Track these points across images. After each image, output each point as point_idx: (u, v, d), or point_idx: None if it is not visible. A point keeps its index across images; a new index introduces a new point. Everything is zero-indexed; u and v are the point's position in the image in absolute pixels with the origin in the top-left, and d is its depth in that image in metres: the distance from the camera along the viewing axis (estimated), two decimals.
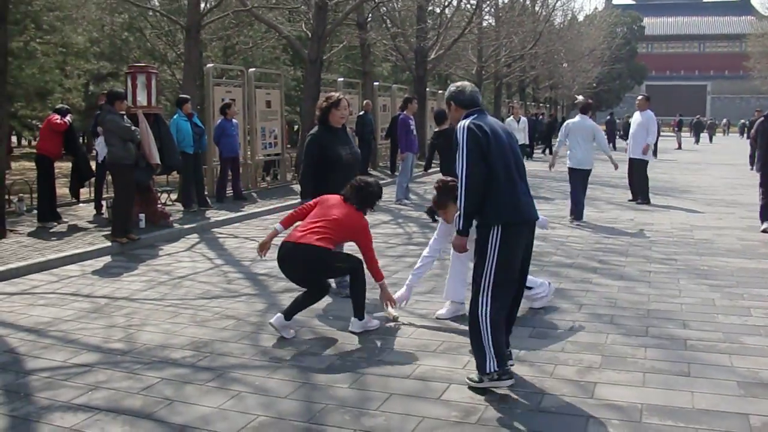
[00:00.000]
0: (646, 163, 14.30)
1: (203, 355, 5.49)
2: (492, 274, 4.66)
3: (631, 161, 14.42)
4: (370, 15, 24.27)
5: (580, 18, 59.36)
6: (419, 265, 6.66)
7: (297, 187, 16.97)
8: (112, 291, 7.60)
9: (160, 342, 5.81)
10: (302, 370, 5.19)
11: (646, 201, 14.36)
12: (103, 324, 6.36)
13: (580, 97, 14.74)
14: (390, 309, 6.36)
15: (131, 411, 4.46)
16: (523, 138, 17.18)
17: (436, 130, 12.08)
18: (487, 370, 4.58)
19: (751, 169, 19.88)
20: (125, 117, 10.09)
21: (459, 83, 5.15)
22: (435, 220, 12.73)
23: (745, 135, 24.50)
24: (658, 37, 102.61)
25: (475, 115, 4.86)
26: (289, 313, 5.95)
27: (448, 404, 4.51)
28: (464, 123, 4.79)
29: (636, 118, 14.43)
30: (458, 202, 4.74)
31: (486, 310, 4.65)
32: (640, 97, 14.70)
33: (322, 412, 4.40)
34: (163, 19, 21.80)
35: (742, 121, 68.39)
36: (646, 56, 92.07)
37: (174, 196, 14.06)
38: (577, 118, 12.18)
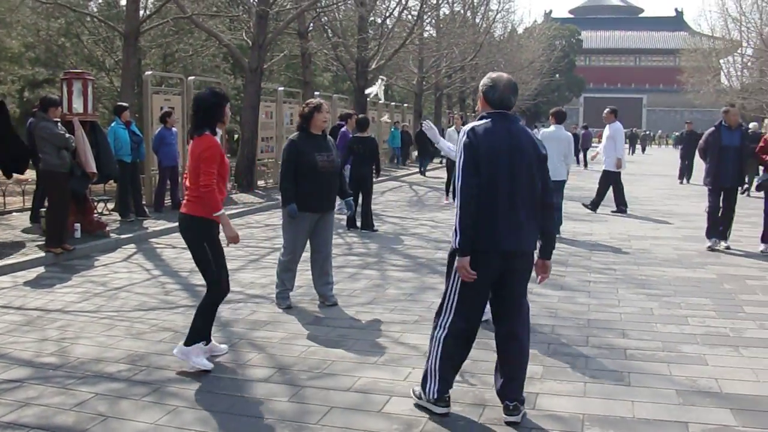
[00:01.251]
0: (618, 174, 14.71)
1: (139, 369, 5.35)
2: (453, 299, 4.42)
3: (605, 173, 14.74)
4: (311, 24, 24.22)
5: (520, 30, 60.20)
6: None
7: (238, 197, 16.84)
8: (45, 303, 7.37)
9: (94, 355, 5.65)
10: (241, 383, 5.10)
11: (625, 208, 14.91)
12: (35, 337, 6.16)
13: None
14: (221, 346, 5.76)
15: (63, 428, 4.32)
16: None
17: (357, 135, 12.26)
18: (426, 392, 4.49)
19: (680, 182, 20.22)
20: (59, 124, 9.83)
21: (497, 75, 4.49)
22: None
23: (680, 147, 24.67)
24: (596, 51, 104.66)
25: (490, 119, 4.35)
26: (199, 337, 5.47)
27: (389, 417, 4.47)
28: (468, 126, 4.36)
29: (605, 131, 14.65)
30: (455, 218, 4.33)
31: (441, 333, 4.43)
32: (606, 110, 14.89)
33: (262, 427, 4.32)
34: (101, 25, 21.36)
35: (677, 133, 70.22)
36: (584, 69, 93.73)
37: (111, 206, 13.76)
38: (552, 128, 11.74)
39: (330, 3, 22.70)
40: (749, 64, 55.43)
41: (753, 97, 51.26)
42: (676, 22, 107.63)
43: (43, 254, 9.50)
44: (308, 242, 7.29)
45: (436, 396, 4.42)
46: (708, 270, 9.08)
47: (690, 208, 16.28)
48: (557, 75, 65.28)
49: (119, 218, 12.74)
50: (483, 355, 5.65)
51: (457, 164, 4.32)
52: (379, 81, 20.56)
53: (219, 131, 5.47)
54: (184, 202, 5.54)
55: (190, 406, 4.65)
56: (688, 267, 9.26)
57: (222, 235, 5.53)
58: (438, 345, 4.44)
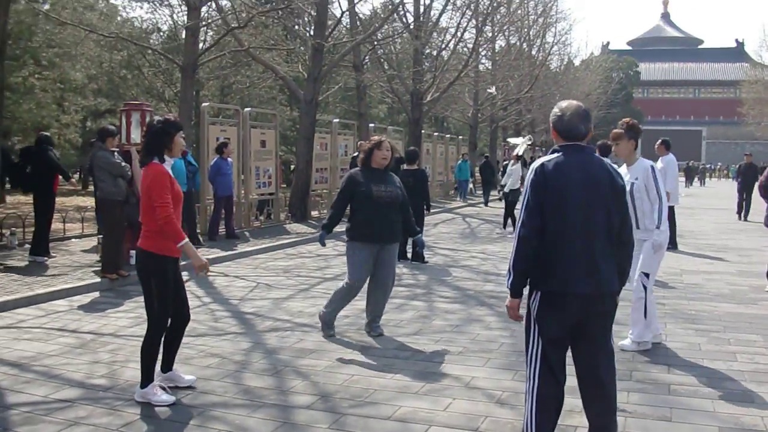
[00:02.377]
0: (671, 208, 14.24)
1: (185, 393, 5.47)
2: (534, 346, 4.11)
3: None
4: (366, 57, 24.55)
5: (576, 62, 60.03)
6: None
7: (291, 227, 17.07)
8: (98, 327, 7.58)
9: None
10: (283, 409, 5.17)
11: (673, 247, 14.16)
12: (87, 360, 6.34)
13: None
14: (185, 378, 5.71)
15: None
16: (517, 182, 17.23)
17: (405, 167, 12.27)
18: None
19: (739, 219, 19.47)
20: (116, 154, 10.15)
21: (566, 103, 4.26)
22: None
23: (738, 180, 23.67)
24: (654, 83, 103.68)
25: (561, 153, 4.07)
26: (163, 364, 5.60)
27: None
28: (538, 161, 4.10)
29: (658, 164, 14.27)
30: (510, 257, 4.10)
31: (532, 386, 4.07)
32: (658, 142, 14.45)
33: None
34: (161, 57, 22.00)
35: (734, 166, 68.94)
36: (642, 101, 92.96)
37: None
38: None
39: (386, 36, 22.99)
40: None
41: None
42: (737, 53, 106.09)
43: (98, 279, 9.77)
44: (372, 276, 7.34)
45: None
46: (761, 306, 8.88)
47: (746, 243, 15.96)
48: (614, 107, 64.70)
49: None
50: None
51: (522, 202, 4.11)
52: (526, 137, 20.67)
53: (169, 159, 5.40)
54: (141, 235, 5.43)
55: (232, 430, 4.74)
56: (741, 303, 9.08)
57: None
58: (531, 398, 4.08)
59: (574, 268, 3.95)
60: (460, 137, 37.62)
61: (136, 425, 4.81)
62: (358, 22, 24.25)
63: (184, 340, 6.89)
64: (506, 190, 17.80)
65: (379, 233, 7.13)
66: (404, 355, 6.62)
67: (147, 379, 5.30)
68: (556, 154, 4.08)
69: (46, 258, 11.32)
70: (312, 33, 18.95)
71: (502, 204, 19.49)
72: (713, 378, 5.93)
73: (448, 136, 35.23)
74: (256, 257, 13.00)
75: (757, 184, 11.12)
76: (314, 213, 20.06)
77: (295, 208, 18.73)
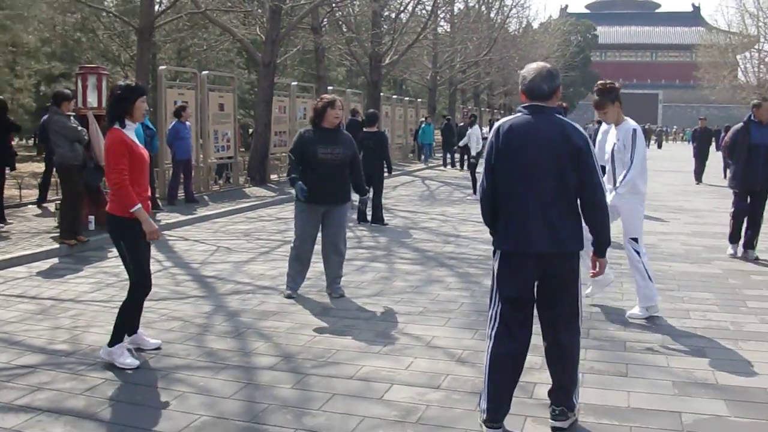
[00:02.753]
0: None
1: (148, 356, 5.50)
2: (495, 305, 4.17)
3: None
4: (325, 19, 24.34)
5: (535, 26, 60.18)
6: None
7: (251, 191, 17.03)
8: (58, 293, 7.54)
9: (105, 343, 5.78)
10: (246, 370, 5.23)
11: None
12: (48, 326, 6.32)
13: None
14: (150, 341, 5.75)
15: (73, 412, 4.46)
16: (476, 145, 17.35)
17: (367, 130, 12.32)
18: (479, 406, 4.23)
19: (697, 183, 19.46)
20: (72, 118, 10.01)
21: (533, 63, 4.25)
22: None
23: (694, 144, 23.37)
24: (612, 46, 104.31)
25: (521, 113, 4.10)
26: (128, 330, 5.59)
27: (389, 404, 4.59)
28: (498, 122, 4.15)
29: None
30: None
31: (489, 344, 4.17)
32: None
33: (265, 412, 4.45)
34: (116, 20, 21.58)
35: (689, 129, 70.00)
36: (600, 64, 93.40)
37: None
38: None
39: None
40: (766, 59, 55.09)
41: None
42: (693, 17, 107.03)
43: (57, 246, 9.68)
44: (322, 237, 7.45)
45: (485, 416, 4.14)
46: (714, 265, 9.13)
47: (701, 204, 16.34)
48: (573, 71, 65.07)
49: None
50: (481, 345, 5.72)
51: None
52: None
53: (131, 124, 5.39)
54: (108, 199, 5.47)
55: (196, 392, 4.78)
56: (694, 262, 9.32)
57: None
58: (487, 357, 4.17)
59: (528, 228, 3.98)
60: (419, 100, 37.58)
61: (99, 389, 4.83)
62: None
63: (147, 304, 6.91)
64: (473, 153, 17.91)
65: (323, 195, 7.18)
66: (365, 316, 6.71)
67: (117, 339, 5.34)
68: (516, 114, 4.12)
69: (2, 225, 11.17)
70: None
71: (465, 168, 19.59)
72: (668, 335, 6.12)
73: (407, 99, 35.19)
74: (215, 221, 12.97)
75: (722, 147, 11.01)
76: (273, 176, 20.00)
77: (255, 171, 18.66)
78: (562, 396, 4.21)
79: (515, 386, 4.21)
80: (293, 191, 7.21)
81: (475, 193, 17.61)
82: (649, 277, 6.64)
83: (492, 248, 4.23)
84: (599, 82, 6.80)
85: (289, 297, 7.31)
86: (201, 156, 16.50)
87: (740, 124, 9.81)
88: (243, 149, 23.39)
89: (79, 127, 9.83)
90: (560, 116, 4.08)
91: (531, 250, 4.01)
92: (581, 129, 4.15)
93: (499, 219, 4.13)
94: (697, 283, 8.15)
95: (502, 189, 4.06)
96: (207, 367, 5.29)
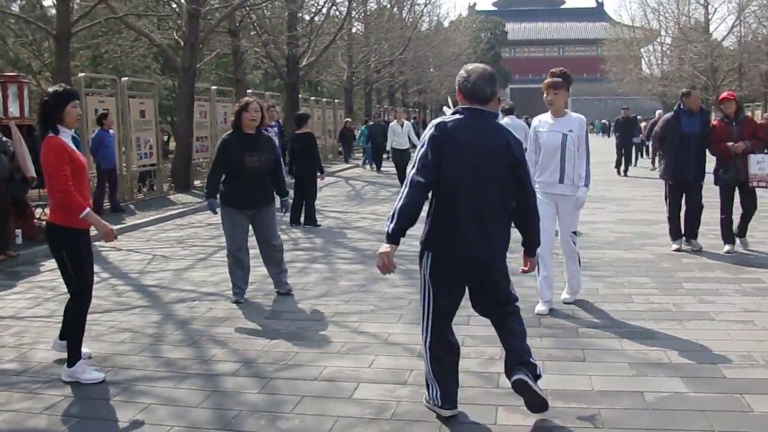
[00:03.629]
0: None
1: (104, 370, 5.35)
2: (427, 303, 4.27)
3: None
4: (240, 23, 24.07)
5: (446, 24, 60.85)
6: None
7: (176, 198, 16.74)
8: None
9: (56, 359, 5.61)
10: (208, 378, 5.16)
11: None
12: None
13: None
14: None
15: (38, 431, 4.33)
16: (406, 143, 17.43)
17: (296, 132, 12.34)
18: (430, 398, 4.37)
19: (619, 174, 19.59)
20: None
21: (472, 66, 4.23)
22: None
23: (610, 134, 24.18)
24: (520, 42, 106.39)
25: (462, 115, 4.10)
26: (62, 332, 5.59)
27: (360, 402, 4.60)
28: (438, 119, 4.17)
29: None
30: (396, 203, 4.11)
31: (426, 338, 4.29)
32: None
33: (237, 419, 4.40)
34: (28, 27, 20.85)
35: (603, 120, 72.10)
36: (510, 60, 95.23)
37: (48, 211, 13.50)
38: (506, 119, 11.69)
39: (259, 1, 22.55)
40: (668, 52, 57.10)
41: (673, 84, 52.83)
42: (597, 13, 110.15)
43: None
44: (256, 239, 7.45)
45: (439, 402, 4.28)
46: (645, 251, 9.44)
47: (622, 193, 16.88)
48: None
49: None
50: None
51: (415, 154, 4.12)
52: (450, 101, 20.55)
53: (65, 131, 5.27)
54: (50, 209, 5.40)
55: (162, 403, 4.69)
56: (627, 249, 9.61)
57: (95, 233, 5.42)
58: (426, 350, 4.30)
59: (463, 233, 4.03)
60: (336, 101, 37.57)
61: (59, 407, 4.69)
62: None
63: (91, 317, 6.74)
64: (388, 148, 17.99)
65: (252, 200, 7.22)
66: (317, 317, 6.70)
67: (74, 357, 5.19)
68: (458, 116, 4.12)
69: None
70: None
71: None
72: (615, 319, 6.32)
73: (324, 99, 35.16)
74: (145, 229, 12.71)
75: (652, 137, 10.76)
76: (197, 182, 19.68)
77: (178, 177, 18.34)
78: (523, 355, 4.28)
79: (456, 370, 4.36)
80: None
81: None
82: (580, 264, 6.92)
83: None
84: (558, 68, 6.68)
85: (236, 302, 7.24)
86: (124, 164, 16.11)
87: (670, 114, 9.60)
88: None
89: (4, 138, 9.49)
90: (498, 122, 4.21)
91: (465, 256, 4.09)
92: (515, 135, 4.22)
93: (429, 219, 4.15)
94: (633, 268, 8.42)
95: (440, 191, 4.06)
96: (167, 377, 5.20)
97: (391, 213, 4.10)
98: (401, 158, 17.25)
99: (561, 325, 6.21)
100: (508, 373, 4.26)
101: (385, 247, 4.07)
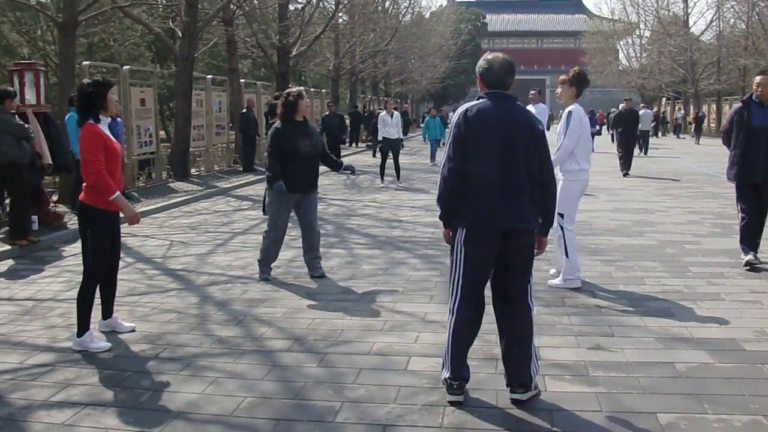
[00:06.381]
0: None
1: (161, 348, 5.64)
2: (458, 280, 4.43)
3: None
4: (234, 12, 24.20)
5: (427, 15, 61.09)
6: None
7: (176, 186, 16.94)
8: (33, 293, 7.51)
9: (109, 338, 5.89)
10: (265, 354, 5.46)
11: None
12: (41, 325, 6.33)
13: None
14: (125, 324, 6.11)
15: (117, 402, 4.59)
16: (397, 133, 17.73)
17: (269, 122, 12.70)
18: (442, 377, 4.56)
19: (624, 175, 18.98)
20: (16, 116, 9.86)
21: (492, 56, 4.51)
22: None
23: (618, 130, 20.66)
24: (500, 33, 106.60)
25: (486, 99, 4.39)
26: (103, 311, 6.02)
27: (416, 374, 4.94)
28: (463, 106, 4.42)
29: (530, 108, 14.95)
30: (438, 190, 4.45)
31: (451, 318, 4.47)
32: (532, 92, 15.26)
33: (305, 389, 4.72)
34: (24, 15, 20.84)
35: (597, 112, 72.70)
36: (490, 51, 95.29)
37: (55, 197, 13.69)
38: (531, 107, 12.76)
39: None
40: (647, 45, 57.82)
41: (652, 77, 53.54)
42: (575, 5, 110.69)
43: (8, 247, 9.53)
44: (298, 220, 7.91)
45: (449, 378, 4.47)
46: (648, 238, 9.86)
47: (612, 183, 17.36)
48: (464, 58, 66.35)
49: (69, 210, 12.72)
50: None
51: (446, 142, 4.44)
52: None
53: (105, 118, 5.66)
54: (82, 190, 5.72)
55: (228, 377, 4.99)
56: (629, 236, 10.02)
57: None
58: (450, 328, 4.48)
59: (495, 205, 4.27)
60: (324, 90, 37.77)
61: (131, 380, 4.97)
62: None
63: (131, 299, 7.06)
64: (380, 138, 18.25)
65: (303, 184, 7.65)
66: (352, 298, 7.02)
67: (83, 327, 5.60)
68: (481, 101, 4.40)
69: None
70: None
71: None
72: (633, 299, 6.71)
73: (312, 89, 35.35)
74: (155, 216, 12.96)
75: (720, 132, 9.24)
76: (193, 171, 19.89)
77: (176, 166, 18.52)
78: (520, 369, 4.43)
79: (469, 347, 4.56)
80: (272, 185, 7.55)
81: (383, 180, 17.94)
82: (566, 253, 7.15)
83: (439, 228, 4.60)
84: (573, 69, 7.35)
85: (265, 281, 7.60)
86: (125, 152, 16.27)
87: (738, 104, 8.36)
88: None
89: (26, 125, 9.69)
90: (519, 102, 4.49)
91: (498, 226, 4.30)
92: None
93: (463, 196, 4.35)
94: (640, 253, 8.83)
95: (471, 169, 4.30)
96: (225, 353, 5.49)
97: (436, 202, 4.53)
98: (391, 147, 17.63)
99: (584, 304, 6.60)
100: (509, 386, 4.50)
101: (444, 231, 4.60)
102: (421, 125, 32.16)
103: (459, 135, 4.31)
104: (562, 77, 7.32)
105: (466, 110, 4.37)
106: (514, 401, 4.45)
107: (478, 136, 4.29)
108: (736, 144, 8.07)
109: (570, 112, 7.19)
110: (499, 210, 4.28)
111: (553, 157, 6.86)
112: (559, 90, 7.35)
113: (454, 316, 4.46)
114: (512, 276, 4.43)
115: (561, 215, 7.17)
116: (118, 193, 5.56)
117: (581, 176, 7.30)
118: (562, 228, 7.22)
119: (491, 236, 4.33)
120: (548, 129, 19.47)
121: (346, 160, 9.82)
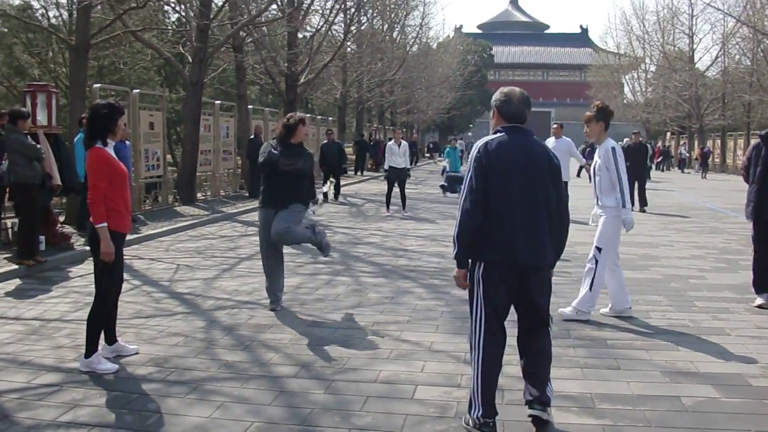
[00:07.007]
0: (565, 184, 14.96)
1: (168, 371, 5.66)
2: (478, 315, 4.42)
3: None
4: (244, 39, 24.43)
5: (434, 45, 61.51)
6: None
7: (183, 210, 16.99)
8: (40, 313, 7.54)
9: (116, 360, 5.88)
10: (272, 379, 5.48)
11: None
12: (48, 345, 6.36)
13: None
14: (129, 347, 6.12)
15: (124, 425, 4.62)
16: (404, 162, 17.78)
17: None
18: (473, 415, 4.41)
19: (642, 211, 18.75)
20: (28, 137, 9.95)
21: (509, 89, 4.57)
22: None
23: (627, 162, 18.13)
24: (506, 65, 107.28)
25: (504, 133, 4.43)
26: (107, 337, 5.97)
27: (422, 402, 4.96)
28: (482, 140, 4.45)
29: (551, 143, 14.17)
30: (455, 227, 4.44)
31: (478, 355, 4.42)
32: (554, 125, 15.14)
33: (311, 416, 4.74)
34: (36, 37, 21.07)
35: (582, 146, 72.95)
36: (495, 83, 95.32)
37: (62, 218, 13.77)
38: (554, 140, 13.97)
39: (264, 21, 22.89)
40: (652, 80, 58.15)
41: (657, 111, 53.77)
42: (581, 38, 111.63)
43: (15, 267, 9.57)
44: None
45: (481, 420, 4.36)
46: (652, 272, 9.89)
47: None
48: (470, 89, 66.72)
49: (76, 231, 12.78)
50: None
51: (465, 177, 4.40)
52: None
53: (111, 142, 5.72)
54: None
55: (235, 401, 5.01)
56: (634, 269, 10.03)
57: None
58: (477, 362, 4.42)
59: (516, 240, 4.26)
60: (330, 118, 37.99)
61: (137, 403, 4.99)
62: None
63: (138, 321, 7.09)
64: (386, 167, 18.19)
65: (275, 201, 7.63)
66: (357, 326, 7.05)
67: (92, 349, 5.62)
68: (499, 134, 4.43)
69: None
70: (196, 13, 18.76)
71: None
72: (638, 333, 6.74)
73: (319, 117, 35.57)
74: (161, 240, 13.00)
75: (741, 168, 8.74)
76: (199, 195, 19.99)
77: (183, 190, 18.61)
78: (542, 396, 4.51)
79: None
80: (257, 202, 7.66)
81: (388, 209, 17.90)
82: (591, 286, 7.19)
83: (445, 260, 4.57)
84: (595, 102, 7.47)
85: (272, 310, 7.59)
86: (133, 175, 16.37)
87: (756, 140, 8.09)
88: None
89: (38, 145, 9.78)
90: (537, 138, 4.55)
91: (520, 261, 4.31)
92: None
93: (483, 231, 4.33)
94: (645, 287, 8.85)
95: (492, 203, 4.29)
96: (232, 378, 5.51)
97: (453, 239, 4.46)
98: (397, 176, 17.59)
99: (590, 336, 6.62)
100: (527, 402, 4.57)
101: (456, 272, 4.51)
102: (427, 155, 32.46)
103: (480, 168, 4.32)
104: (587, 114, 7.32)
105: (486, 143, 4.39)
106: (534, 420, 4.51)
107: (499, 170, 4.31)
108: (753, 180, 7.88)
109: (614, 149, 7.19)
110: (520, 245, 4.29)
111: (625, 197, 7.04)
112: (586, 129, 7.39)
113: (480, 353, 4.41)
114: (531, 314, 4.52)
115: (599, 249, 7.23)
116: (104, 224, 5.57)
117: (630, 213, 7.31)
118: (596, 261, 7.23)
119: (509, 271, 4.35)
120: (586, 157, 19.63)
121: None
